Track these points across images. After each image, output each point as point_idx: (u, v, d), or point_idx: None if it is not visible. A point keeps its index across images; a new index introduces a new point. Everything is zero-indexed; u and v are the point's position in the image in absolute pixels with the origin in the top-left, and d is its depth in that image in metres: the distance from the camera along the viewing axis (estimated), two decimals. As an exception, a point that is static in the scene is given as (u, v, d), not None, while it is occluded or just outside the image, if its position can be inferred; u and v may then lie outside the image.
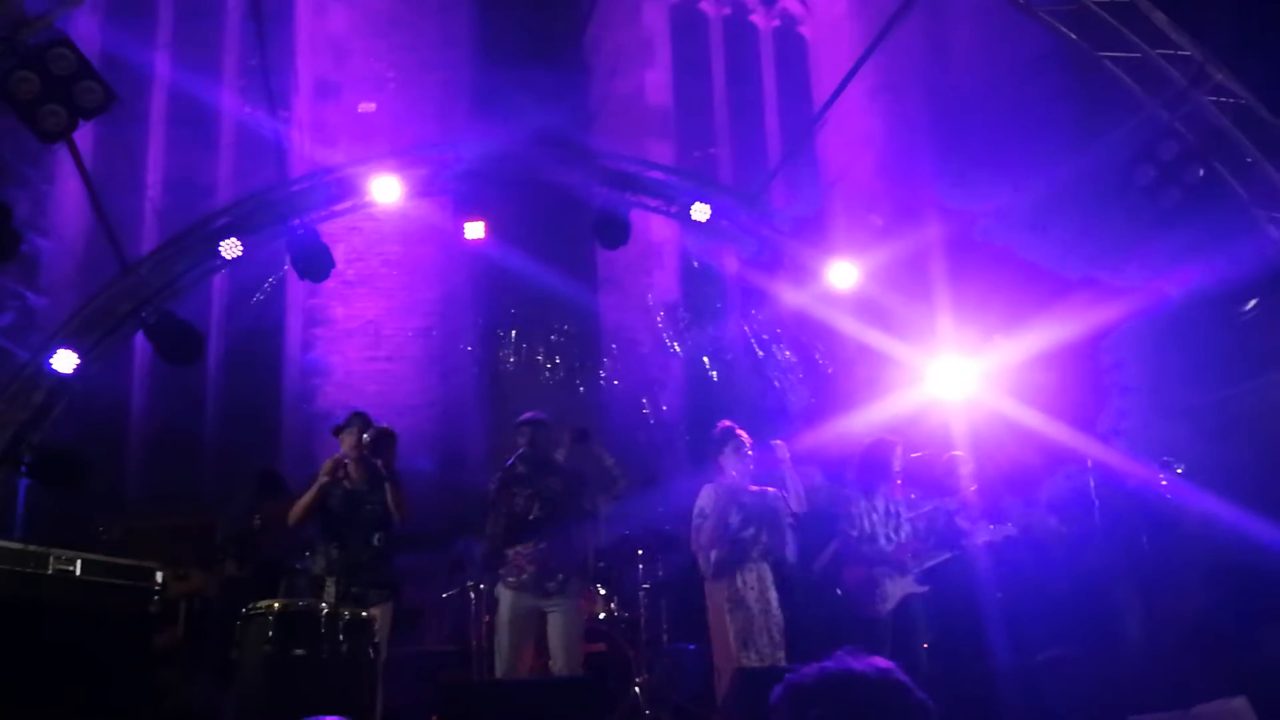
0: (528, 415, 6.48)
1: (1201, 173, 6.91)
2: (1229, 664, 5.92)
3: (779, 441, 6.61)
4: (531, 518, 6.13)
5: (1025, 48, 10.34)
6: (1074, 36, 7.24)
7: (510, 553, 6.12)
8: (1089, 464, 7.42)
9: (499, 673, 6.09)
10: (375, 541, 6.11)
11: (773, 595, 6.26)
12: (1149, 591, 7.09)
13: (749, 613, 6.14)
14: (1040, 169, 9.60)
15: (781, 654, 6.16)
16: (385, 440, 6.25)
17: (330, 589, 5.90)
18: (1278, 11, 7.86)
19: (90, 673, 5.49)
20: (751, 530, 6.27)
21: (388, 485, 6.13)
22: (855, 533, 6.50)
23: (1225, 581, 6.80)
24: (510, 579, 6.08)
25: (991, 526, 6.66)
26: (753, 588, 6.20)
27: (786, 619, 6.30)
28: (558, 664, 6.10)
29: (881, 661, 1.64)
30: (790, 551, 6.47)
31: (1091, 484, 7.31)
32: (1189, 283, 7.66)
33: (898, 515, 6.61)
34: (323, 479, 6.06)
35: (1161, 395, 8.61)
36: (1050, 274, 9.11)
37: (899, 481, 6.66)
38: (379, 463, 6.16)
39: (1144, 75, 7.17)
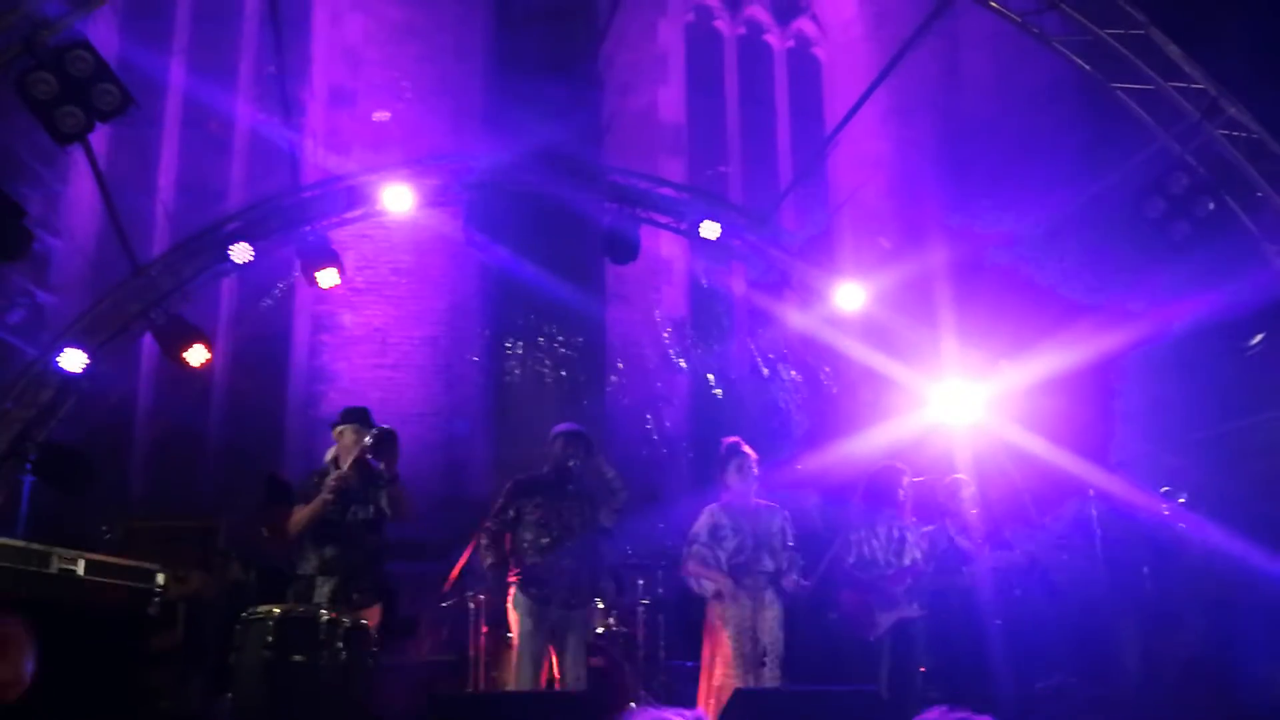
0: (569, 427, 6.38)
1: (1212, 206, 6.91)
2: (1228, 697, 5.91)
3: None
4: (562, 529, 6.11)
5: (1037, 76, 10.39)
6: (1087, 67, 7.26)
7: (533, 564, 6.06)
8: (1092, 493, 7.41)
9: (515, 685, 6.02)
10: (368, 543, 5.92)
11: (769, 616, 6.13)
12: (1150, 622, 7.08)
13: (728, 634, 6.06)
14: (1048, 196, 9.61)
15: (778, 675, 6.09)
16: (388, 441, 5.90)
17: (323, 588, 5.74)
18: (1292, 46, 7.89)
19: (88, 673, 5.49)
20: (749, 552, 6.19)
21: (388, 489, 5.92)
22: (851, 558, 6.45)
23: (1226, 615, 6.79)
24: (533, 589, 6.02)
25: (999, 553, 6.63)
26: (745, 606, 6.08)
27: (785, 641, 6.20)
28: (569, 676, 6.06)
29: None
30: (793, 569, 6.37)
31: (1094, 513, 7.30)
32: (1196, 314, 7.67)
33: (901, 539, 6.54)
34: (326, 496, 5.79)
35: (1166, 426, 8.60)
36: (1057, 299, 9.12)
37: (905, 509, 6.62)
38: (381, 465, 5.90)
39: (1156, 107, 7.18)
